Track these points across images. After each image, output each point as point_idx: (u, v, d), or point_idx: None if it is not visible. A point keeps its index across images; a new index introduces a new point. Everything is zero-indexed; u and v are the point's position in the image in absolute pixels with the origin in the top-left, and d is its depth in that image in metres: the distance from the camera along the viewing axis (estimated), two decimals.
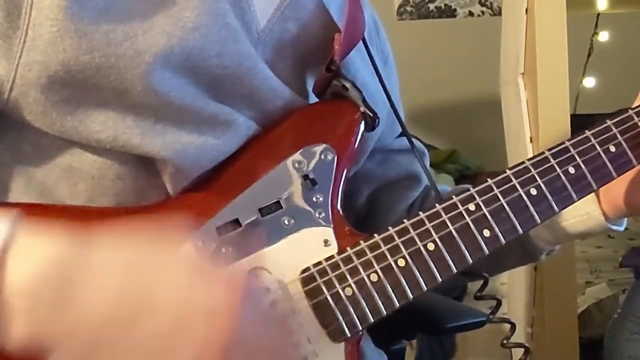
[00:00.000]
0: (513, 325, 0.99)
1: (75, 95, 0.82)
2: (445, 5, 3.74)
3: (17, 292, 0.69)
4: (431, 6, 3.74)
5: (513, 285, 2.01)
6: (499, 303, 1.00)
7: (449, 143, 3.54)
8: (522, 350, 1.00)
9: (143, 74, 0.82)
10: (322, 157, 0.92)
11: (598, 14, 3.31)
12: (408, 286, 0.88)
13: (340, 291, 0.86)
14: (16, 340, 0.69)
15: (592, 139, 0.96)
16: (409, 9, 3.74)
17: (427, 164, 1.18)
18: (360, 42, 1.03)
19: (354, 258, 0.88)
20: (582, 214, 1.03)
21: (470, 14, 3.75)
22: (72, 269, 0.70)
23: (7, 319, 0.69)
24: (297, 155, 0.91)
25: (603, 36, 3.41)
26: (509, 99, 1.87)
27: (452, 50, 3.68)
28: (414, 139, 1.12)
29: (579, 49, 3.21)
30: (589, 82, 3.38)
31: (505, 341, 0.99)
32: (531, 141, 1.68)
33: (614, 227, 1.05)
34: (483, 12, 3.74)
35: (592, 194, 1.02)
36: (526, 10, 1.66)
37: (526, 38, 1.68)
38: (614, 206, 1.02)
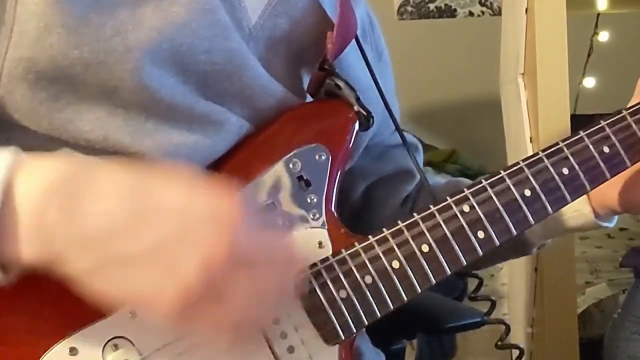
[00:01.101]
0: (507, 327, 0.99)
1: (63, 92, 0.81)
2: (445, 5, 3.74)
3: (26, 209, 0.69)
4: (431, 6, 3.74)
5: (513, 285, 2.01)
6: (494, 304, 1.00)
7: (449, 143, 3.54)
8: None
9: (133, 70, 0.82)
10: (316, 157, 0.91)
11: (598, 14, 3.31)
12: (402, 288, 0.87)
13: (335, 293, 0.86)
14: (29, 256, 0.70)
15: (586, 139, 0.96)
16: (409, 9, 3.73)
17: (421, 158, 1.19)
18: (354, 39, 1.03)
19: (349, 260, 0.87)
20: (572, 211, 1.04)
21: (470, 14, 3.75)
22: (77, 183, 0.70)
23: (17, 236, 0.69)
24: (290, 156, 0.91)
25: (603, 36, 3.40)
26: (509, 99, 1.86)
27: (452, 50, 3.68)
28: (408, 134, 1.12)
29: (579, 49, 3.21)
30: (589, 82, 3.38)
31: (499, 342, 0.99)
32: (531, 141, 1.68)
33: (604, 224, 1.06)
34: (483, 12, 3.74)
35: None
36: (526, 10, 1.65)
37: (526, 38, 1.68)
38: (604, 204, 1.03)
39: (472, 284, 1.07)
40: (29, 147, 0.85)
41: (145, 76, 0.82)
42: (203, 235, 0.69)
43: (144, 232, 0.69)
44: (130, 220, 0.69)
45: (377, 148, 1.15)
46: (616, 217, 1.08)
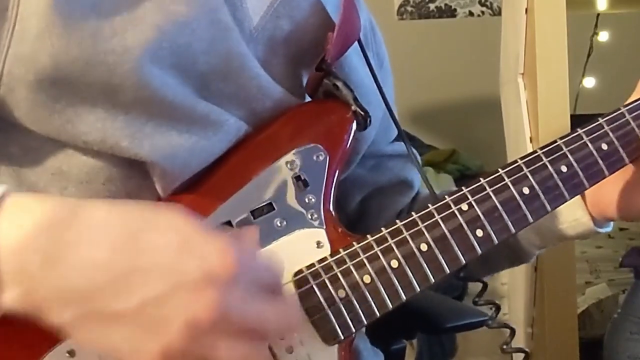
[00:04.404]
0: (513, 331, 0.99)
1: (64, 93, 0.81)
2: (445, 5, 3.74)
3: (8, 253, 0.67)
4: (431, 6, 3.74)
5: (513, 285, 2.01)
6: (498, 308, 1.00)
7: (449, 143, 3.54)
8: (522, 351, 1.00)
9: (133, 69, 0.81)
10: (314, 157, 0.91)
11: (598, 14, 3.31)
12: (401, 287, 0.87)
13: (334, 293, 0.86)
14: (8, 302, 0.68)
15: (584, 137, 0.96)
16: (409, 9, 3.74)
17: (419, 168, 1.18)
18: (356, 43, 1.02)
19: (347, 259, 0.87)
20: (570, 220, 1.04)
21: (470, 14, 3.75)
22: (63, 230, 0.68)
23: None
24: (288, 156, 0.90)
25: (603, 36, 3.40)
26: (509, 99, 1.86)
27: (452, 50, 3.68)
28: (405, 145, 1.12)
29: (579, 49, 3.21)
30: (589, 82, 3.38)
31: (504, 346, 0.99)
32: (531, 141, 1.67)
33: (602, 230, 1.06)
34: (483, 12, 3.74)
35: (580, 200, 1.02)
36: (526, 10, 1.65)
37: (526, 38, 1.68)
38: (602, 211, 1.02)
39: (473, 284, 1.07)
40: (28, 147, 0.85)
41: (145, 76, 0.82)
42: (190, 299, 0.67)
43: (129, 290, 0.67)
44: (116, 277, 0.67)
45: (373, 158, 1.14)
46: (612, 222, 1.07)
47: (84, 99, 0.82)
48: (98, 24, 0.81)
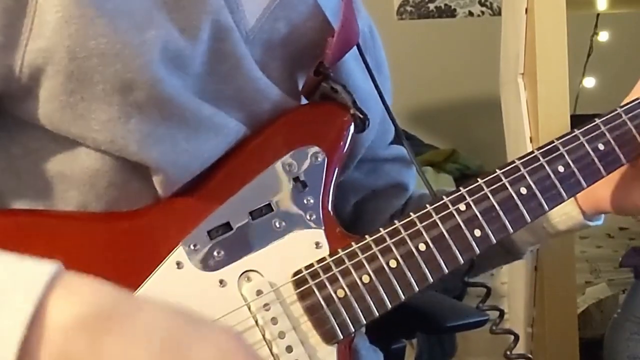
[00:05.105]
0: (516, 337, 0.99)
1: (78, 87, 0.81)
2: (445, 5, 3.74)
3: (54, 337, 0.64)
4: (431, 6, 3.74)
5: (513, 285, 2.01)
6: (502, 314, 1.00)
7: (449, 143, 3.54)
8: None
9: (147, 64, 0.82)
10: (312, 159, 0.92)
11: (598, 14, 3.31)
12: (400, 287, 0.88)
13: (332, 293, 0.86)
14: None
15: (580, 137, 0.97)
16: (409, 8, 3.73)
17: (413, 173, 1.19)
18: (355, 48, 1.03)
19: (346, 259, 0.88)
20: (560, 214, 1.05)
21: (470, 14, 3.75)
22: (112, 319, 0.65)
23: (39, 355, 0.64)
24: (287, 158, 0.91)
25: (603, 36, 3.40)
26: (509, 99, 1.86)
27: (452, 50, 3.68)
28: (402, 148, 1.12)
29: (579, 49, 3.21)
30: (589, 82, 3.37)
31: (508, 352, 0.98)
32: (531, 141, 1.67)
33: (592, 224, 1.07)
34: (483, 12, 3.74)
35: None
36: (526, 10, 1.65)
37: (526, 38, 1.68)
38: (594, 205, 1.04)
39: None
40: (30, 149, 0.86)
41: (157, 73, 0.82)
42: None
43: None
44: None
45: (370, 162, 1.15)
46: (603, 215, 1.09)
47: (98, 95, 0.82)
48: (115, 15, 0.81)
